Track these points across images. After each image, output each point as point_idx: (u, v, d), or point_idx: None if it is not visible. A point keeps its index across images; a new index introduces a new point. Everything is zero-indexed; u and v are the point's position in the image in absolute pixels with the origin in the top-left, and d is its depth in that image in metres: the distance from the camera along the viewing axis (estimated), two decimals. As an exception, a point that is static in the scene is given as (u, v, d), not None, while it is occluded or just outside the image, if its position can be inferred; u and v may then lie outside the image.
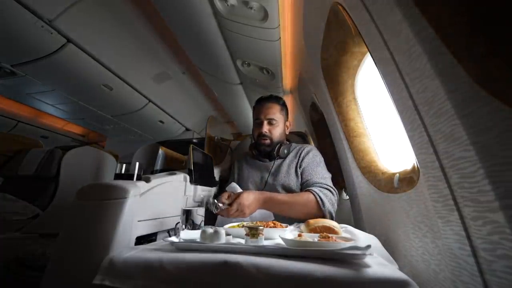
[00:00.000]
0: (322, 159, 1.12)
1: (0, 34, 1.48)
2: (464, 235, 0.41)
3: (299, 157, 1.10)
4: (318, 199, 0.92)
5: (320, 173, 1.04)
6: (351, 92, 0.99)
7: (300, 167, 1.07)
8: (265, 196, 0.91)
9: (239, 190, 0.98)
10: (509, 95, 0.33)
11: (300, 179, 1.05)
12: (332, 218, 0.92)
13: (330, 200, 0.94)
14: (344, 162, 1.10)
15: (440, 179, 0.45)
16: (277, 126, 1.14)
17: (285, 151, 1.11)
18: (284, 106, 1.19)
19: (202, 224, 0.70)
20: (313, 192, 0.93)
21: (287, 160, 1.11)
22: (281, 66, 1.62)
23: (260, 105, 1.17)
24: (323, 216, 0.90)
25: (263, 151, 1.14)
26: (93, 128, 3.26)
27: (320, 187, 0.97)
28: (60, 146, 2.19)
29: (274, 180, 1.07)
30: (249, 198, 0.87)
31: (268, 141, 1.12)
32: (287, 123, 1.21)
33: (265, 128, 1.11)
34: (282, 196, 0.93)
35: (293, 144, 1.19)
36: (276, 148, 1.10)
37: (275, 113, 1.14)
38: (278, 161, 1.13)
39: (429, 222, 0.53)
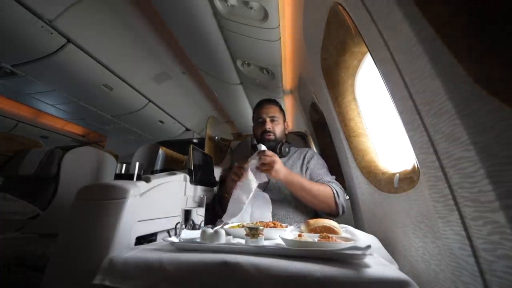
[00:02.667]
0: (325, 163, 1.19)
1: (0, 34, 1.48)
2: (465, 235, 0.41)
3: (303, 158, 1.16)
4: (334, 191, 0.99)
5: (328, 175, 1.12)
6: (351, 92, 0.98)
7: (307, 169, 1.12)
8: (292, 173, 1.00)
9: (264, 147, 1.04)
10: (509, 95, 0.33)
11: (304, 175, 1.11)
12: (343, 212, 1.01)
13: (343, 195, 1.01)
14: (344, 162, 1.10)
15: (440, 179, 0.44)
16: (278, 123, 1.22)
17: (287, 149, 1.17)
18: (281, 109, 1.30)
19: (202, 224, 0.70)
20: (330, 185, 1.01)
21: (290, 161, 1.16)
22: (281, 66, 1.62)
23: (261, 106, 1.25)
24: (336, 208, 0.99)
25: (268, 148, 1.16)
26: (93, 128, 3.25)
27: (334, 184, 1.05)
28: (60, 146, 2.19)
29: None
30: (281, 164, 0.98)
31: (272, 137, 1.18)
32: (286, 124, 1.29)
33: (269, 124, 1.19)
34: (304, 180, 1.01)
35: (293, 148, 1.25)
36: (278, 147, 1.16)
37: (276, 112, 1.22)
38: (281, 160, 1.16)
39: (429, 222, 0.53)
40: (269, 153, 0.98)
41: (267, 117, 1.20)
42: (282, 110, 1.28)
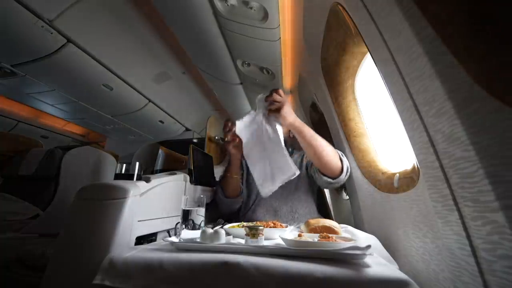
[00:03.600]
0: None
1: (0, 34, 1.48)
2: (464, 235, 0.41)
3: (303, 156, 1.19)
4: (339, 152, 0.97)
5: None
6: (351, 92, 0.98)
7: (305, 161, 1.16)
8: (301, 123, 0.91)
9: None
10: (509, 95, 0.33)
11: (304, 170, 1.12)
12: (347, 173, 0.95)
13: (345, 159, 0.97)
14: (344, 162, 1.10)
15: (440, 179, 0.44)
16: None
17: (289, 149, 1.19)
18: None
19: (202, 224, 0.70)
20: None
21: (293, 158, 1.17)
22: (281, 66, 1.62)
23: None
24: (342, 167, 0.94)
25: None
26: (93, 128, 3.25)
27: None
28: (60, 146, 2.19)
29: None
30: (290, 107, 0.91)
31: None
32: None
33: None
34: (313, 132, 0.93)
35: (295, 151, 1.29)
36: None
37: None
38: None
39: (429, 222, 0.53)
40: (281, 93, 0.90)
41: None
42: None
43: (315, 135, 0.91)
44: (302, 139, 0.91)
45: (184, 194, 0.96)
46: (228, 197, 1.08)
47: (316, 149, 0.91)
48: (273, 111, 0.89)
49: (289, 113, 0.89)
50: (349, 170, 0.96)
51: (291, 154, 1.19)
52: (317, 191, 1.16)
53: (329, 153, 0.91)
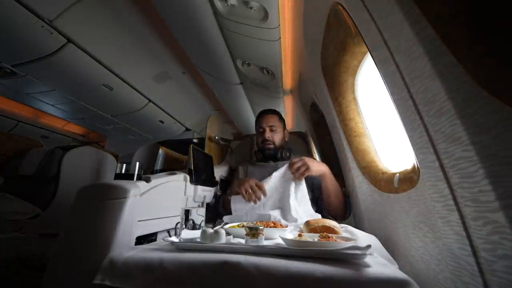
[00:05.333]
0: None
1: (0, 34, 1.48)
2: (465, 235, 0.41)
3: None
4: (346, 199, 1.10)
5: None
6: (351, 92, 0.98)
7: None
8: (328, 169, 1.08)
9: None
10: (509, 95, 0.33)
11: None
12: (346, 217, 1.08)
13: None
14: (344, 162, 1.10)
15: (440, 179, 0.44)
16: (278, 132, 1.32)
17: (287, 153, 1.29)
18: (281, 117, 1.40)
19: (202, 224, 0.70)
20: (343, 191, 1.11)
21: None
22: (281, 66, 1.61)
23: (261, 117, 1.37)
24: (343, 214, 1.08)
25: (268, 155, 1.30)
26: (93, 128, 3.25)
27: None
28: (60, 146, 2.19)
29: None
30: (313, 160, 1.07)
31: (271, 145, 1.29)
32: (285, 131, 1.40)
33: (268, 134, 1.30)
34: (333, 179, 1.09)
35: (293, 154, 1.36)
36: (279, 152, 1.28)
37: (275, 122, 1.34)
38: (282, 163, 1.24)
39: (429, 222, 0.53)
40: (296, 160, 1.04)
41: (266, 127, 1.30)
42: (282, 119, 1.38)
43: (336, 184, 1.08)
44: (324, 183, 1.07)
45: (184, 194, 0.96)
46: (228, 213, 1.11)
47: (331, 194, 1.07)
48: (302, 173, 1.02)
49: (316, 166, 1.04)
50: (349, 217, 1.08)
51: (288, 157, 1.26)
52: (318, 191, 1.16)
53: (339, 202, 1.07)
